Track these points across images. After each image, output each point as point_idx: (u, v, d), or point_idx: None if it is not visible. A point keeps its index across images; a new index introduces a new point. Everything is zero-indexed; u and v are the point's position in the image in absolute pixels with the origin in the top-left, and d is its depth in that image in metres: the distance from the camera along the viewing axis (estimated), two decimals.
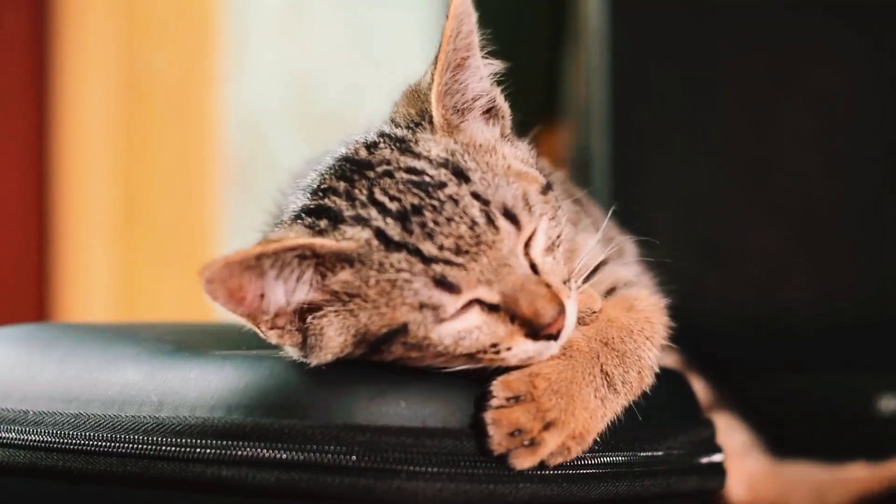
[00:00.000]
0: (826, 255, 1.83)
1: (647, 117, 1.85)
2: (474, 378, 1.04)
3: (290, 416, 1.02)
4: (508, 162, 1.08)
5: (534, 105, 2.36)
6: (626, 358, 1.08)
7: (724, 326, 1.72)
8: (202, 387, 1.07)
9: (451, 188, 1.03)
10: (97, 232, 2.81)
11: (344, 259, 1.03)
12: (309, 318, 1.04)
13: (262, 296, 1.03)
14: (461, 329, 1.02)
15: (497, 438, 1.01)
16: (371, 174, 1.06)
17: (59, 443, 1.11)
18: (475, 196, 1.03)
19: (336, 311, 1.04)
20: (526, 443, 1.01)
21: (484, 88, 1.13)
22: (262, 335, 1.05)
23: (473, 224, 1.01)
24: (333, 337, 1.04)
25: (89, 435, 1.09)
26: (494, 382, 1.03)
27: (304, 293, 1.04)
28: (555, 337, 1.03)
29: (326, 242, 1.02)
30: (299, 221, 1.06)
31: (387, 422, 1.02)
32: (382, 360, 1.05)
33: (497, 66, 1.13)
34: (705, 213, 1.83)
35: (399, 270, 1.01)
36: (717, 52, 1.86)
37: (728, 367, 1.61)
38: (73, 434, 1.10)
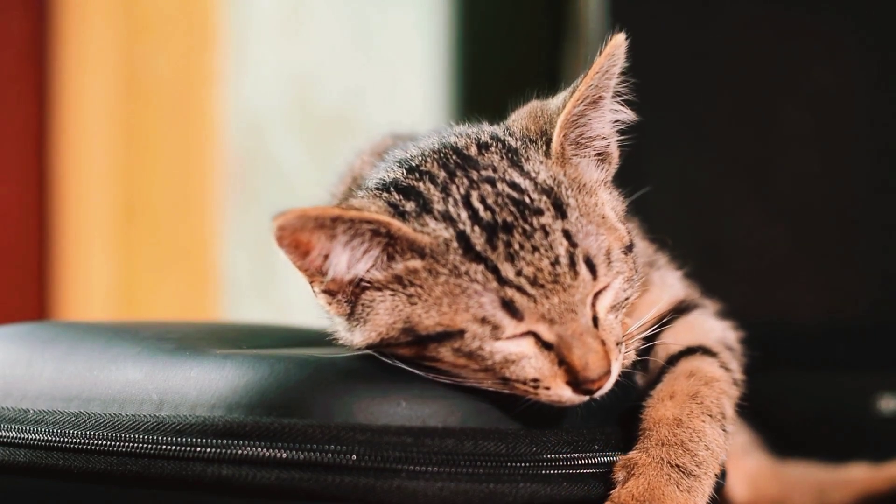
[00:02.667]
0: (826, 255, 1.83)
1: (647, 117, 1.85)
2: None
3: (290, 415, 1.02)
4: (604, 211, 1.08)
5: None
6: (688, 444, 1.07)
7: None
8: (203, 386, 1.07)
9: (547, 219, 1.02)
10: (97, 231, 2.81)
11: (416, 249, 1.02)
12: (363, 293, 1.04)
13: (326, 257, 1.03)
14: (513, 352, 1.01)
15: None
16: (474, 175, 1.05)
17: (59, 442, 1.11)
18: (566, 234, 1.02)
19: (393, 293, 1.03)
20: None
21: (606, 131, 1.11)
22: (313, 293, 1.05)
23: (556, 262, 1.01)
24: (383, 315, 1.04)
25: (89, 434, 1.09)
26: None
27: (365, 267, 1.03)
28: (592, 393, 1.02)
29: (404, 228, 1.02)
30: (385, 195, 1.06)
31: (387, 421, 1.02)
32: (421, 359, 1.04)
33: (628, 116, 1.12)
34: (705, 213, 1.83)
35: (472, 281, 1.00)
36: (717, 52, 1.86)
37: None
38: (73, 433, 1.10)
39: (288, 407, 1.03)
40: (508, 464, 1.03)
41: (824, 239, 1.83)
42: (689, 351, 1.17)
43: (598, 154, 1.12)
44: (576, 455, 1.06)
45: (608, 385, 1.03)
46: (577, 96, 1.07)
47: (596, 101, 1.09)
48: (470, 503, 1.02)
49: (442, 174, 1.06)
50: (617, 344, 1.04)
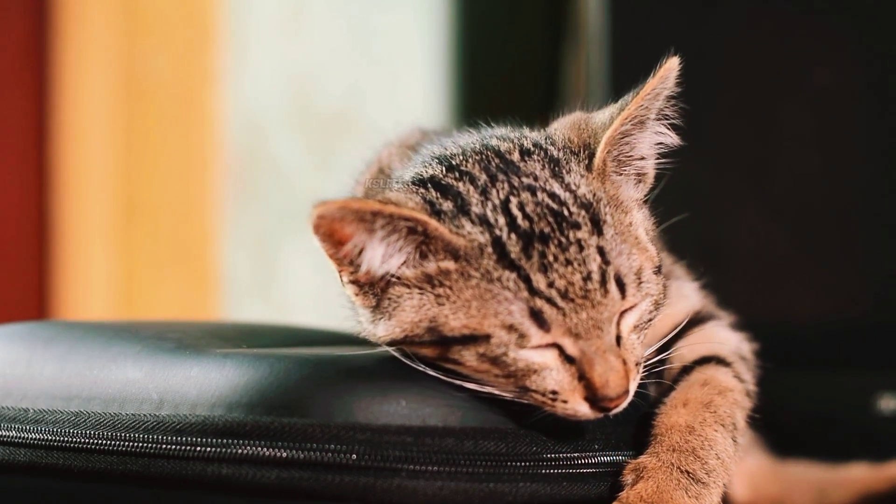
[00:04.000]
0: (826, 255, 1.83)
1: None
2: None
3: (290, 414, 1.02)
4: (637, 231, 1.08)
5: (534, 104, 2.36)
6: (699, 452, 1.08)
7: None
8: (203, 385, 1.07)
9: (583, 233, 1.02)
10: (97, 231, 2.81)
11: (450, 250, 1.02)
12: (391, 287, 1.04)
13: (362, 250, 1.02)
14: (536, 362, 1.01)
15: None
16: (515, 181, 1.05)
17: (59, 441, 1.11)
18: (600, 251, 1.02)
19: (421, 291, 1.03)
20: None
21: (647, 152, 1.11)
22: (340, 282, 1.05)
23: (588, 277, 1.01)
24: (408, 313, 1.04)
25: (89, 433, 1.09)
26: None
27: (397, 263, 1.03)
28: (608, 411, 1.03)
29: (441, 229, 1.02)
30: (422, 190, 1.06)
31: (387, 420, 1.02)
32: (443, 360, 1.04)
33: (672, 140, 1.11)
34: (705, 213, 1.83)
35: (504, 287, 1.00)
36: (716, 51, 1.86)
37: None
38: (73, 432, 1.10)
39: (288, 406, 1.03)
40: (508, 463, 1.03)
41: (824, 239, 1.83)
42: (704, 360, 1.17)
43: (637, 173, 1.12)
44: (576, 455, 1.06)
45: (624, 404, 1.03)
46: (626, 115, 1.07)
47: (643, 121, 1.09)
48: (470, 502, 1.02)
49: (483, 177, 1.05)
50: (636, 364, 1.05)
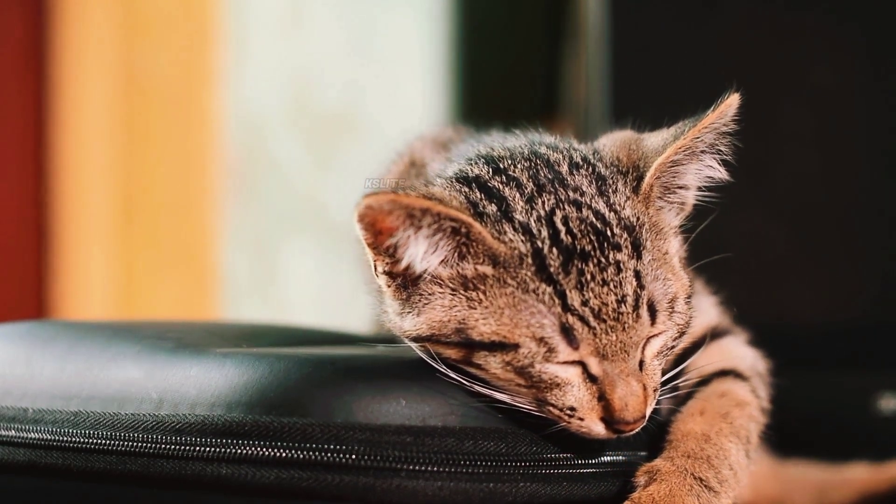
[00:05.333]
0: (826, 255, 1.83)
1: (647, 117, 1.85)
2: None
3: (290, 414, 1.02)
4: (673, 259, 1.08)
5: (534, 105, 2.36)
6: (713, 460, 1.08)
7: None
8: (202, 384, 1.07)
9: (623, 255, 1.02)
10: (96, 230, 2.81)
11: (489, 255, 1.02)
12: (424, 283, 1.04)
13: (404, 243, 1.02)
14: (560, 377, 1.01)
15: None
16: (562, 194, 1.04)
17: (58, 441, 1.11)
18: (637, 275, 1.02)
19: (454, 292, 1.03)
20: None
21: (693, 183, 1.11)
22: (372, 269, 1.05)
23: (622, 301, 1.01)
24: (438, 311, 1.03)
25: (89, 433, 1.09)
26: None
27: (436, 262, 1.03)
28: (622, 433, 1.03)
29: (485, 233, 1.01)
30: (466, 189, 1.05)
31: (387, 420, 1.02)
32: (465, 363, 1.04)
33: (721, 175, 1.11)
34: (705, 212, 1.82)
35: (539, 300, 1.00)
36: (716, 51, 1.86)
37: None
38: (72, 432, 1.10)
39: (287, 406, 1.03)
40: (508, 463, 1.03)
41: (824, 239, 1.83)
42: (722, 373, 1.18)
43: (679, 202, 1.11)
44: (576, 455, 1.06)
45: (639, 428, 1.04)
46: (680, 145, 1.07)
47: (695, 153, 1.09)
48: (470, 502, 1.02)
49: (530, 185, 1.05)
50: (654, 390, 1.05)
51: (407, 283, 1.05)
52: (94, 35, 2.80)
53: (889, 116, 1.82)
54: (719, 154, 1.10)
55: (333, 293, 2.69)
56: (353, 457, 1.00)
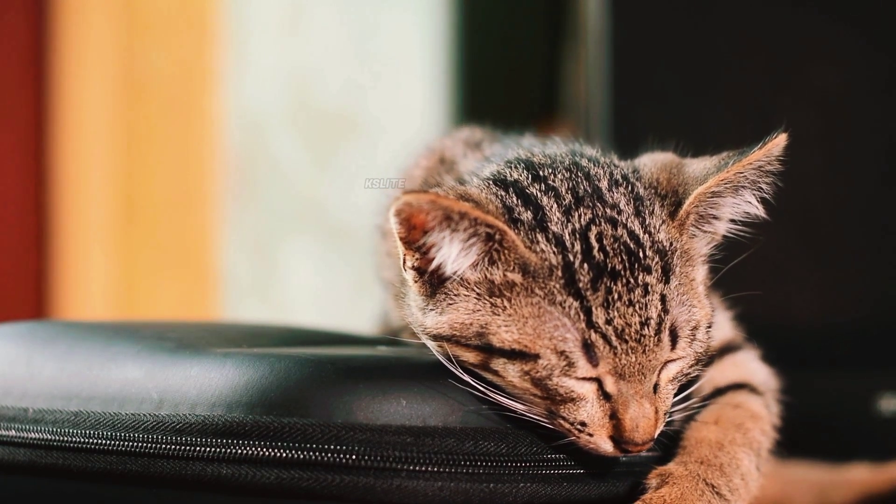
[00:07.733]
0: (826, 255, 1.83)
1: (647, 117, 1.85)
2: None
3: (290, 414, 1.02)
4: (699, 286, 1.08)
5: (534, 105, 2.36)
6: (725, 468, 1.08)
7: None
8: (203, 384, 1.07)
9: (651, 279, 1.02)
10: (96, 230, 2.81)
11: (520, 263, 1.02)
12: (451, 283, 1.03)
13: (438, 243, 1.02)
14: (576, 392, 1.01)
15: None
16: (599, 210, 1.04)
17: (58, 441, 1.11)
18: (662, 300, 1.02)
19: (479, 296, 1.03)
20: None
21: (730, 216, 1.11)
22: (401, 262, 1.05)
23: (645, 324, 1.01)
24: (461, 313, 1.03)
25: (89, 433, 1.09)
26: None
27: (466, 264, 1.03)
28: (629, 453, 1.03)
29: (518, 241, 1.01)
30: (502, 192, 1.05)
31: (387, 420, 1.02)
32: (482, 368, 1.04)
33: (758, 212, 1.11)
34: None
35: (564, 314, 1.00)
36: (717, 51, 1.86)
37: None
38: (72, 432, 1.10)
39: (288, 406, 1.03)
40: (508, 464, 1.03)
41: (824, 239, 1.83)
42: (737, 386, 1.18)
43: (712, 232, 1.11)
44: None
45: (645, 450, 1.04)
46: (722, 177, 1.07)
47: (737, 188, 1.08)
48: (470, 503, 1.02)
49: (569, 197, 1.04)
50: (665, 413, 1.05)
51: (434, 281, 1.05)
52: (95, 36, 2.80)
53: (890, 116, 1.82)
54: (759, 192, 1.10)
55: (333, 293, 2.69)
56: (354, 457, 1.00)
